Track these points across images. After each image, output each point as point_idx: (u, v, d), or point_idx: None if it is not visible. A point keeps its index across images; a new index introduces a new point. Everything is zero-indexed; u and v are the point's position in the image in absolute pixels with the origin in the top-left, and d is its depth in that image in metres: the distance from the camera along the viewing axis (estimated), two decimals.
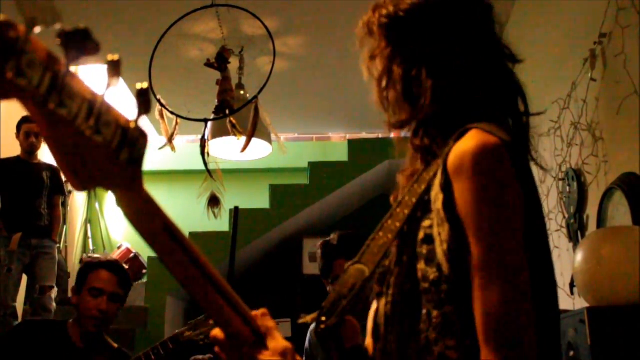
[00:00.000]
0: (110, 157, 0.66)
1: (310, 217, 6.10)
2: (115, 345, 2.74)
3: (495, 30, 1.16)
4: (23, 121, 4.87)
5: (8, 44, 0.54)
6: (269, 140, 4.60)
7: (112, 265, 2.69)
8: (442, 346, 0.99)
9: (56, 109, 0.59)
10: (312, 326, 3.10)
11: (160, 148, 3.87)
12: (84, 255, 6.69)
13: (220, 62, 4.03)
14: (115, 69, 0.62)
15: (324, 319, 1.03)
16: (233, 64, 4.20)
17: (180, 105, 3.89)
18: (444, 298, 0.99)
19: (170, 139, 3.80)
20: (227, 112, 3.87)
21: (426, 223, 1.03)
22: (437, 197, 1.02)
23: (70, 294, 2.91)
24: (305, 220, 6.09)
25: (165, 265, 0.79)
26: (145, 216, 0.75)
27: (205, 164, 3.79)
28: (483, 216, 0.96)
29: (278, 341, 0.89)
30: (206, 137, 3.87)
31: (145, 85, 0.67)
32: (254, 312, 0.92)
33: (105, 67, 0.63)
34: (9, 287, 4.59)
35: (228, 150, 4.45)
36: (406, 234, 1.05)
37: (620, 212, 2.55)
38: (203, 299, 0.83)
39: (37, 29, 0.56)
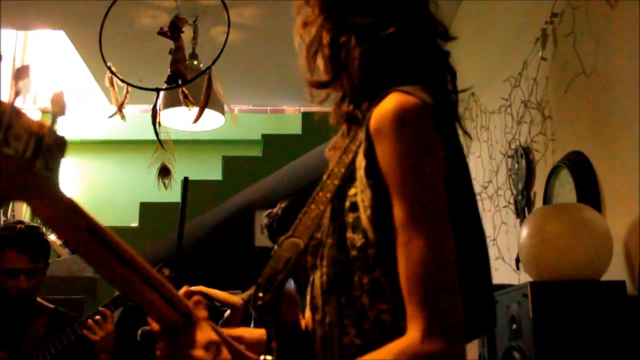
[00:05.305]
0: (23, 168, 0.63)
1: (262, 190, 6.09)
2: (51, 306, 2.67)
3: (429, 8, 1.17)
4: None
5: None
6: (222, 112, 4.56)
7: (20, 241, 2.49)
8: (376, 310, 1.00)
9: None
10: None
11: (110, 116, 3.80)
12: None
13: (173, 31, 3.96)
14: (23, 74, 0.59)
15: (260, 294, 1.02)
16: (187, 33, 4.13)
17: (132, 74, 3.81)
18: (372, 263, 1.00)
19: (120, 108, 3.73)
20: (180, 82, 3.81)
21: (352, 191, 1.04)
22: (360, 164, 1.03)
23: None
24: (257, 192, 6.08)
25: (91, 266, 0.77)
26: (66, 222, 0.73)
27: (157, 134, 3.73)
28: (404, 174, 0.96)
29: (204, 332, 0.88)
30: (158, 107, 3.81)
31: (61, 90, 0.64)
32: (189, 301, 0.92)
33: (18, 71, 0.59)
34: None
35: (180, 120, 4.39)
36: (336, 205, 1.06)
37: (565, 189, 2.61)
38: (136, 296, 0.82)
39: None
